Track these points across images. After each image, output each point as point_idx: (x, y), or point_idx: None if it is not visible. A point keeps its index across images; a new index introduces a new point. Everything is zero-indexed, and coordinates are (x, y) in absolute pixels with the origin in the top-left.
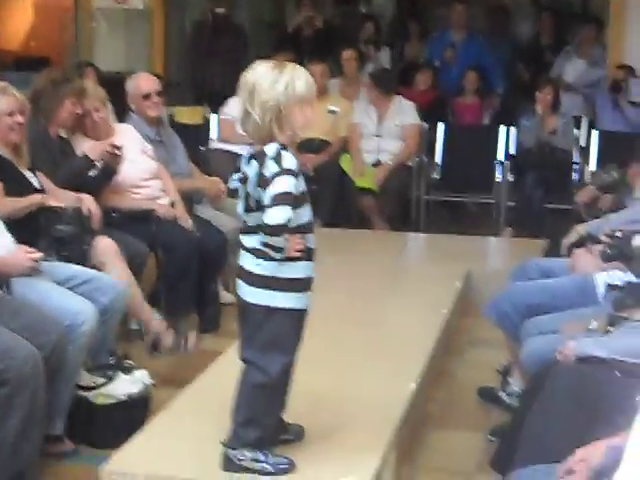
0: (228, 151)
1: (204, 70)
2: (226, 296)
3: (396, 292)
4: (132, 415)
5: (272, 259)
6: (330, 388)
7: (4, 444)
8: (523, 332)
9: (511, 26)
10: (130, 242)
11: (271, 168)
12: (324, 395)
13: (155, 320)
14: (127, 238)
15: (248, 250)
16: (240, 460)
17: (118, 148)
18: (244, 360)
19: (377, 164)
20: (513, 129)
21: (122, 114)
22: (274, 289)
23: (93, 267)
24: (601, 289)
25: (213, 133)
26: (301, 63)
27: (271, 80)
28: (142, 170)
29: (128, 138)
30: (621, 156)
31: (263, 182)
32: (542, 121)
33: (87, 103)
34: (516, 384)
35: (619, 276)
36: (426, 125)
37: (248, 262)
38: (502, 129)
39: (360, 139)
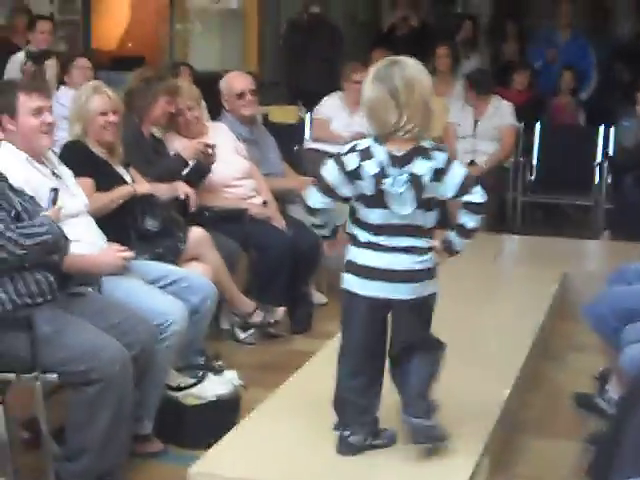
0: (322, 150)
1: (298, 70)
2: (318, 297)
3: (491, 295)
4: (221, 416)
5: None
6: None
7: (92, 443)
8: (622, 338)
9: (612, 25)
10: (223, 241)
11: (440, 158)
12: None
13: (244, 302)
14: (220, 237)
15: (406, 250)
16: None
17: (211, 147)
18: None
19: (472, 165)
20: (611, 129)
21: (216, 113)
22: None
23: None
24: None
25: (307, 133)
26: None
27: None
28: (235, 169)
29: (221, 137)
30: None
31: (439, 174)
32: None
33: (181, 102)
34: (614, 391)
35: None
36: (522, 126)
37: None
38: (601, 129)
39: (455, 139)
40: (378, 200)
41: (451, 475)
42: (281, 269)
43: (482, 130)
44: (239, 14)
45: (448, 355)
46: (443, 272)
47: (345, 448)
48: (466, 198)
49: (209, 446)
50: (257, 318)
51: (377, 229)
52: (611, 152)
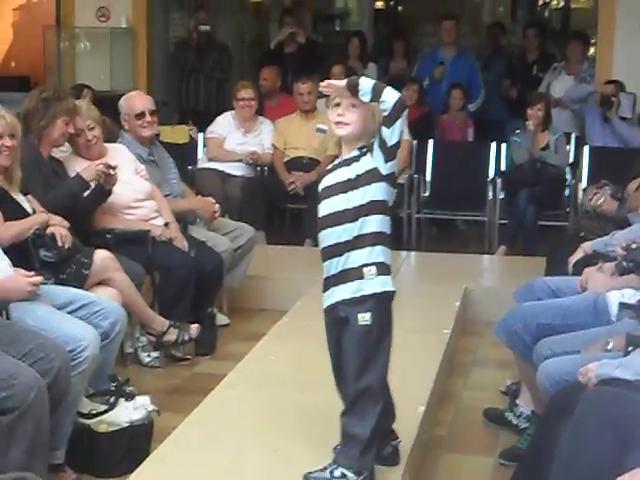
0: (216, 169)
1: (188, 89)
2: (220, 318)
3: (396, 313)
4: (135, 443)
5: None
6: (336, 412)
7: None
8: (536, 353)
9: (506, 41)
10: (126, 264)
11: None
12: (332, 420)
13: (158, 320)
14: (123, 260)
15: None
16: None
17: (113, 168)
18: None
19: None
20: (502, 145)
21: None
22: None
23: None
24: (614, 308)
25: (200, 152)
26: (285, 80)
27: None
28: (136, 191)
29: (121, 158)
30: (612, 171)
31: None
32: (533, 137)
33: (81, 122)
34: (525, 405)
35: (631, 294)
36: (415, 142)
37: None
38: (492, 146)
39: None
40: None
41: None
42: (185, 290)
43: None
44: (128, 33)
45: None
46: None
47: None
48: None
49: (123, 474)
50: (171, 336)
51: None
52: (503, 168)
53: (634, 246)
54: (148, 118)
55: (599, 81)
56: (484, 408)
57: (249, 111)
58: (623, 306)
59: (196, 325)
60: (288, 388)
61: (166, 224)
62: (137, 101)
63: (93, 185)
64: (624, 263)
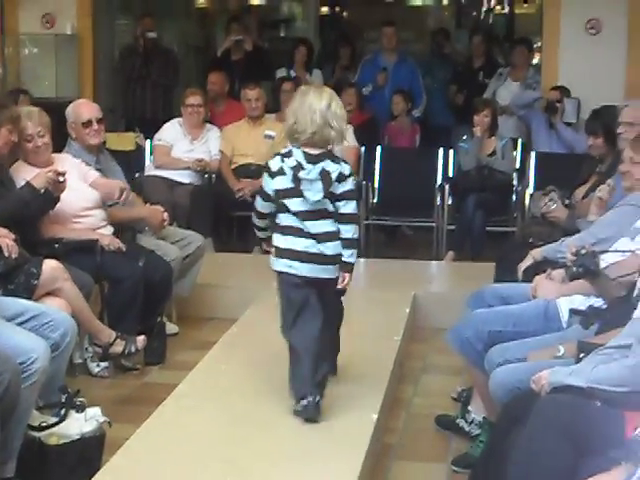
0: (163, 177)
1: (135, 96)
2: (170, 327)
3: (346, 320)
4: (86, 455)
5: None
6: (289, 420)
7: None
8: (487, 360)
9: (450, 47)
10: (74, 274)
11: (346, 168)
12: (285, 429)
13: (105, 331)
14: (71, 270)
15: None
16: None
17: (62, 174)
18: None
19: None
20: (450, 151)
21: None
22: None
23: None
24: (565, 314)
25: (147, 159)
26: (232, 87)
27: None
28: (84, 199)
29: (68, 167)
30: (559, 177)
31: (342, 178)
32: (480, 144)
33: (32, 127)
34: (476, 412)
35: (581, 301)
36: (362, 149)
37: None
38: (440, 152)
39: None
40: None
41: None
42: (134, 300)
43: None
44: (73, 39)
45: None
46: None
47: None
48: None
49: None
50: (118, 348)
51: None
52: (451, 174)
53: (583, 251)
54: (95, 126)
55: (545, 87)
56: (436, 415)
57: (197, 117)
58: (573, 312)
59: (142, 337)
60: (240, 398)
61: (114, 231)
62: (84, 109)
63: (42, 192)
64: (574, 268)
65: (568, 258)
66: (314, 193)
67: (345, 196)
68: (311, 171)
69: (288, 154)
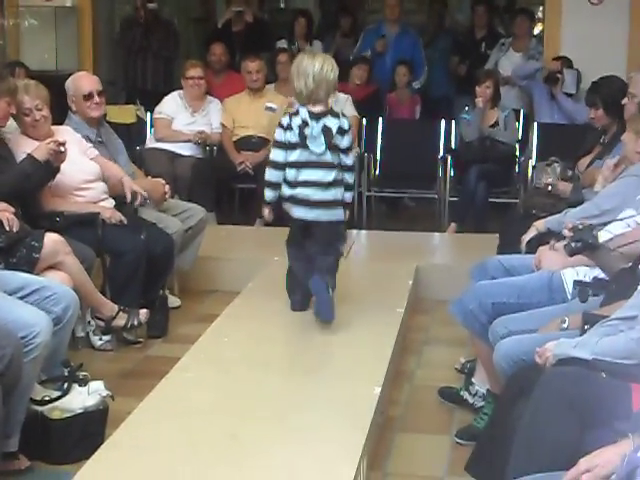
0: (164, 150)
1: (135, 68)
2: (172, 300)
3: (349, 292)
4: (89, 429)
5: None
6: (293, 393)
7: None
8: (492, 332)
9: (450, 19)
10: (76, 247)
11: (345, 122)
12: (289, 402)
13: (107, 304)
14: (73, 243)
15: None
16: None
17: (62, 144)
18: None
19: None
20: (452, 123)
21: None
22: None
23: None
24: (569, 286)
25: (149, 132)
26: (233, 58)
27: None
28: (85, 172)
29: (68, 139)
30: (561, 148)
31: (342, 131)
32: (482, 115)
33: (29, 101)
34: (480, 384)
35: (586, 272)
36: (364, 120)
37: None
38: (442, 123)
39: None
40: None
41: None
42: (136, 273)
43: None
44: (73, 11)
45: (313, 356)
46: None
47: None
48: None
49: (78, 460)
50: (120, 321)
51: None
52: (453, 145)
53: (581, 227)
54: (96, 99)
55: (547, 57)
56: (439, 387)
57: (198, 90)
58: (578, 284)
59: (145, 310)
60: (242, 370)
61: (115, 204)
62: (85, 82)
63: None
64: (572, 244)
65: (565, 234)
66: (318, 146)
67: (347, 150)
68: (314, 127)
69: (296, 113)
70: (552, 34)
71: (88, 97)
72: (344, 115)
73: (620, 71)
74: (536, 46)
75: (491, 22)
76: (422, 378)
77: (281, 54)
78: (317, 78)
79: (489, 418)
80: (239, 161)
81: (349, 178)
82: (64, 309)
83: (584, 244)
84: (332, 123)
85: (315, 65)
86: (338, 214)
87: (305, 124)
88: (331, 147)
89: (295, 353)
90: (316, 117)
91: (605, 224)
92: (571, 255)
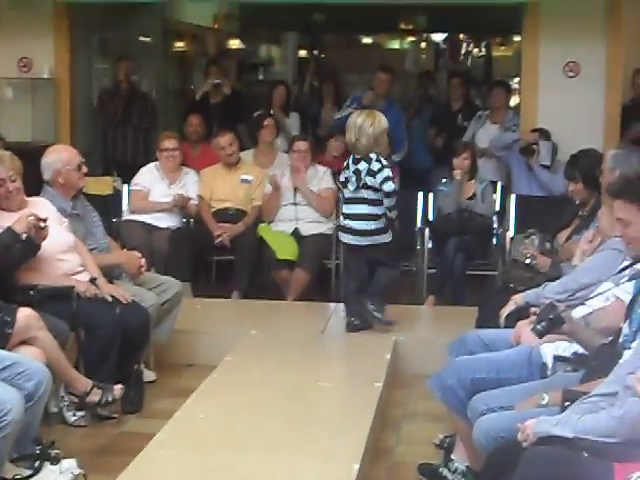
0: (141, 222)
1: (115, 139)
2: (147, 374)
3: (327, 366)
4: None
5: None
6: (270, 473)
7: None
8: (470, 409)
9: (435, 90)
10: (50, 321)
11: (375, 166)
12: (261, 478)
13: (81, 380)
14: (47, 317)
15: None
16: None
17: (43, 221)
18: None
19: (295, 233)
20: (430, 195)
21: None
22: None
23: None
24: (549, 361)
25: (125, 204)
26: (211, 130)
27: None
28: (60, 243)
29: (43, 211)
30: (539, 220)
31: (371, 173)
32: (460, 187)
33: (3, 172)
34: (460, 460)
35: (566, 347)
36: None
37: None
38: (420, 195)
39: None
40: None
41: None
42: (111, 348)
43: (302, 197)
44: (50, 83)
45: (291, 432)
46: (272, 347)
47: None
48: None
49: None
50: (95, 397)
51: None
52: (431, 217)
53: (542, 307)
54: (84, 169)
55: (524, 129)
56: (418, 463)
57: (173, 161)
58: (557, 359)
59: (120, 386)
60: (219, 448)
61: (92, 280)
62: (71, 153)
63: (23, 238)
64: (537, 326)
65: (530, 319)
66: (352, 185)
67: (383, 181)
68: (350, 170)
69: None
70: (528, 106)
71: (79, 168)
72: (378, 160)
73: (597, 142)
74: (513, 118)
75: (467, 94)
76: (402, 454)
77: (268, 118)
78: (357, 132)
79: None
80: (217, 233)
81: (387, 203)
82: (36, 385)
83: (548, 322)
84: (362, 167)
85: (357, 121)
86: (377, 239)
87: (346, 168)
88: (362, 186)
89: (272, 430)
90: (355, 161)
91: (584, 298)
92: (540, 337)
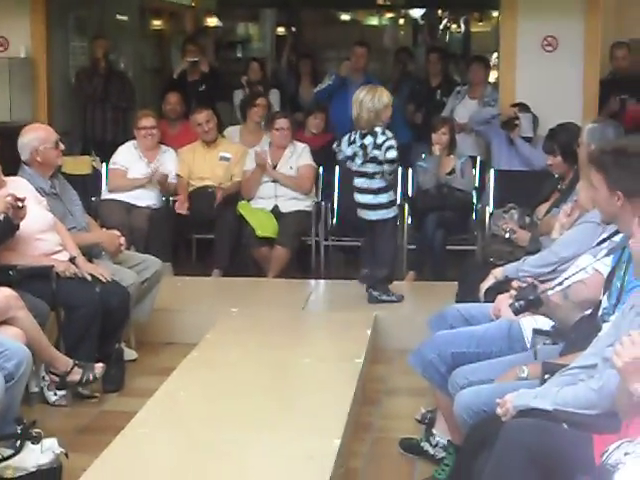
0: (120, 201)
1: (94, 118)
2: (128, 352)
3: (307, 343)
4: None
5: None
6: (251, 449)
7: None
8: (451, 383)
9: (414, 66)
10: (30, 301)
11: (380, 138)
12: (247, 458)
13: (61, 359)
14: (27, 297)
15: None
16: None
17: (21, 200)
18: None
19: (275, 210)
20: (409, 170)
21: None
22: None
23: None
24: (528, 334)
25: (104, 183)
26: (189, 107)
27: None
28: (39, 223)
29: (22, 190)
30: (518, 194)
31: (376, 146)
32: (439, 162)
33: None
34: (441, 435)
35: (545, 320)
36: (321, 169)
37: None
38: (399, 171)
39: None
40: None
41: None
42: (91, 327)
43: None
44: (27, 62)
45: (272, 408)
46: (253, 324)
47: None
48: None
49: None
50: (75, 376)
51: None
52: (410, 193)
53: (523, 285)
54: (61, 147)
55: (503, 104)
56: (400, 438)
57: (151, 140)
58: (537, 332)
59: (101, 364)
60: (200, 425)
61: (72, 259)
62: (48, 131)
63: (1, 218)
64: (516, 303)
65: (511, 294)
66: (359, 158)
67: (386, 150)
68: (356, 145)
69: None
70: (507, 81)
71: (57, 145)
72: (383, 133)
73: (576, 116)
74: (491, 93)
75: (446, 70)
76: (382, 429)
77: (260, 97)
78: (359, 107)
79: (450, 470)
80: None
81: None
82: (16, 365)
83: (526, 302)
84: (368, 141)
85: (360, 96)
86: (380, 214)
87: (353, 142)
88: (368, 160)
89: (253, 407)
90: (361, 136)
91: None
92: (516, 314)
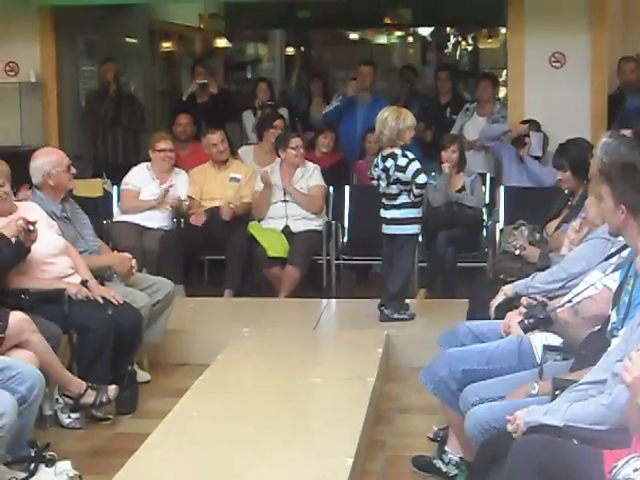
0: (131, 223)
1: (105, 141)
2: (141, 374)
3: (319, 362)
4: None
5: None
6: (264, 470)
7: None
8: (462, 400)
9: (421, 84)
10: (42, 324)
11: (402, 161)
12: (256, 476)
13: (75, 382)
14: (39, 320)
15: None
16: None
17: (32, 224)
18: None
19: (286, 230)
20: None
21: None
22: None
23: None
24: (539, 350)
25: (115, 206)
26: (199, 129)
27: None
28: (50, 246)
29: (33, 215)
30: (528, 211)
31: (399, 168)
32: (449, 180)
33: None
34: (453, 452)
35: (555, 336)
36: (331, 189)
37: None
38: None
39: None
40: None
41: None
42: (104, 349)
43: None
44: (37, 87)
45: (285, 428)
46: (265, 344)
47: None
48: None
49: None
50: (89, 398)
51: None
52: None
53: (534, 303)
54: (73, 170)
55: (512, 121)
56: (412, 456)
57: (169, 162)
58: (547, 348)
59: (114, 386)
60: (213, 446)
61: (83, 282)
62: (60, 155)
63: (13, 241)
64: (525, 321)
65: (520, 311)
66: (383, 182)
67: (415, 174)
68: (379, 168)
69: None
70: (515, 97)
71: (69, 169)
72: (404, 155)
73: (584, 131)
74: (500, 110)
75: (455, 87)
76: (395, 447)
77: (278, 119)
78: (382, 125)
79: None
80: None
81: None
82: (29, 388)
83: (536, 320)
84: (389, 164)
85: (384, 115)
86: (403, 229)
87: (376, 166)
88: (392, 182)
89: (266, 427)
90: (383, 159)
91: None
92: (526, 332)
